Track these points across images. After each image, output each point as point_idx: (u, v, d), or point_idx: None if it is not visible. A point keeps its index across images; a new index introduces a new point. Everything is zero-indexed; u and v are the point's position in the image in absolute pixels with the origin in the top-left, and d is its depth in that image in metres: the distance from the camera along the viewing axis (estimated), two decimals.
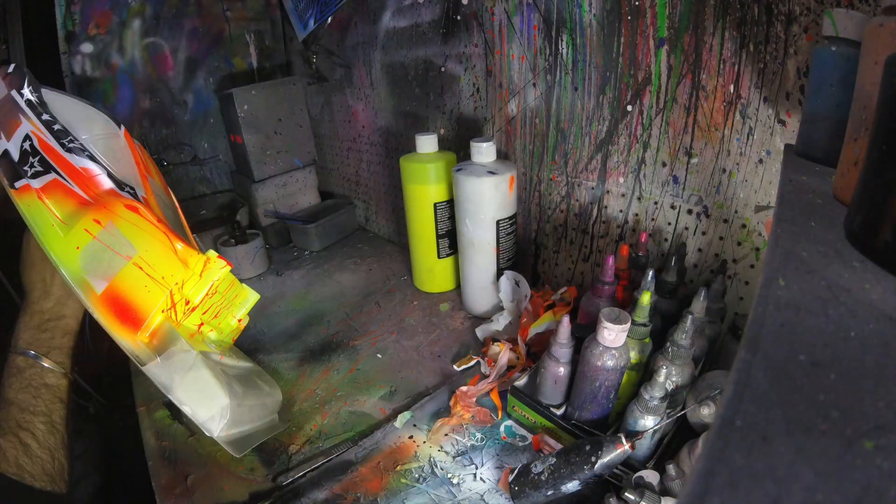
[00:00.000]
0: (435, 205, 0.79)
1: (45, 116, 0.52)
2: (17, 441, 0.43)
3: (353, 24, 0.98)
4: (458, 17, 0.78)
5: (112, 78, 1.04)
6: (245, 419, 0.53)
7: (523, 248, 0.84)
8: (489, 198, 0.70)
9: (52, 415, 0.47)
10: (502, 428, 0.58)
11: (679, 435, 0.49)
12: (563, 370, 0.53)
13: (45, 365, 0.48)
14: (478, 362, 0.68)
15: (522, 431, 0.57)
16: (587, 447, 0.45)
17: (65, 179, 0.49)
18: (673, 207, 0.63)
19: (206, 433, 0.48)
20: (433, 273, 0.86)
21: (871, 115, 0.26)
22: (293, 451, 0.57)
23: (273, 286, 0.96)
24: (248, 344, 0.77)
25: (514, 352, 0.65)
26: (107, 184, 0.51)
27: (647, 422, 0.46)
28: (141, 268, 0.48)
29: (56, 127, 0.52)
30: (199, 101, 1.17)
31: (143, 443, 0.60)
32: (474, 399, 0.61)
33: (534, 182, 0.78)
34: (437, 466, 0.53)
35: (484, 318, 0.78)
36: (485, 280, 0.76)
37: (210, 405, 0.48)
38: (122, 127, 0.62)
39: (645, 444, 0.48)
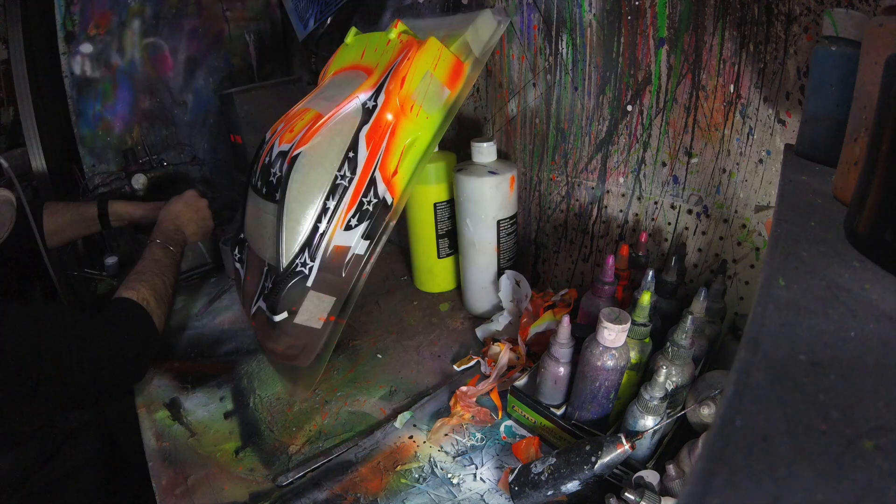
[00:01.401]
0: (435, 205, 0.79)
1: None
2: (161, 281, 0.70)
3: (354, 24, 0.98)
4: None
5: (112, 78, 1.04)
6: None
7: (523, 248, 0.84)
8: (490, 198, 0.70)
9: (173, 273, 0.74)
10: (502, 428, 0.58)
11: (679, 435, 0.49)
12: (563, 370, 0.53)
13: (176, 255, 0.77)
14: (478, 362, 0.68)
15: (522, 431, 0.57)
16: (587, 447, 0.45)
17: None
18: (673, 207, 0.63)
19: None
20: (433, 273, 0.86)
21: (871, 115, 0.26)
22: (293, 451, 0.57)
23: None
24: (249, 344, 0.77)
25: (514, 352, 0.65)
26: None
27: (647, 422, 0.46)
28: None
29: None
30: (198, 102, 1.17)
31: (143, 443, 0.60)
32: (474, 399, 0.61)
33: (534, 182, 0.78)
34: (437, 466, 0.53)
35: (484, 318, 0.78)
36: (485, 280, 0.76)
37: None
38: None
39: (645, 444, 0.48)
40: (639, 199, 0.66)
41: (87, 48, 0.99)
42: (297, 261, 0.57)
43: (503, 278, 0.73)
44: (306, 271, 0.58)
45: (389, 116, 0.59)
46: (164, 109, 1.12)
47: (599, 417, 0.51)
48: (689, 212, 0.61)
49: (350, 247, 0.61)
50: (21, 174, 1.12)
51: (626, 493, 0.42)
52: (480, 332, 0.74)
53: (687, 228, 0.62)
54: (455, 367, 0.68)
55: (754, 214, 0.56)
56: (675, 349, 0.47)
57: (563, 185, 0.74)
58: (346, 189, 0.58)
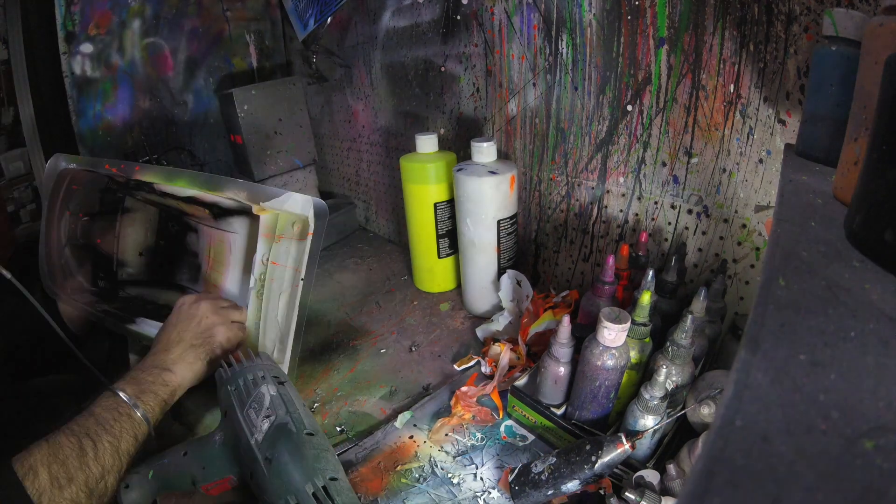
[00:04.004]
0: (435, 205, 0.79)
1: None
2: (77, 444, 0.45)
3: (353, 24, 0.98)
4: (458, 17, 0.78)
5: (112, 78, 1.03)
6: None
7: (523, 248, 0.84)
8: (490, 197, 0.70)
9: (121, 442, 0.48)
10: (502, 428, 0.58)
11: (679, 435, 0.49)
12: (563, 370, 0.53)
13: (137, 413, 0.50)
14: (478, 362, 0.68)
15: (523, 431, 0.57)
16: (587, 447, 0.45)
17: None
18: (673, 207, 0.63)
19: None
20: (433, 273, 0.86)
21: (871, 115, 0.26)
22: None
23: None
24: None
25: (514, 352, 0.65)
26: None
27: (647, 421, 0.46)
28: None
29: None
30: (199, 102, 1.17)
31: None
32: (475, 399, 0.61)
33: (534, 182, 0.78)
34: (437, 466, 0.53)
35: (484, 318, 0.78)
36: (486, 280, 0.76)
37: None
38: None
39: (645, 444, 0.48)
40: (639, 198, 0.66)
41: (87, 48, 0.99)
42: None
43: (504, 278, 0.73)
44: None
45: None
46: (163, 109, 1.12)
47: (599, 417, 0.51)
48: (690, 212, 0.61)
49: None
50: (21, 174, 1.12)
51: (626, 493, 0.42)
52: (480, 332, 0.74)
53: (687, 228, 0.62)
54: (455, 366, 0.68)
55: (754, 214, 0.56)
56: (675, 349, 0.47)
57: (563, 185, 0.74)
58: None
